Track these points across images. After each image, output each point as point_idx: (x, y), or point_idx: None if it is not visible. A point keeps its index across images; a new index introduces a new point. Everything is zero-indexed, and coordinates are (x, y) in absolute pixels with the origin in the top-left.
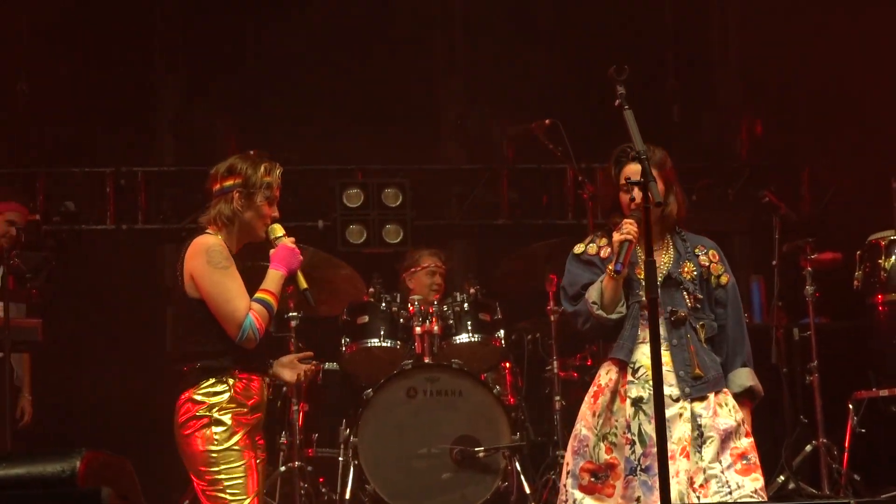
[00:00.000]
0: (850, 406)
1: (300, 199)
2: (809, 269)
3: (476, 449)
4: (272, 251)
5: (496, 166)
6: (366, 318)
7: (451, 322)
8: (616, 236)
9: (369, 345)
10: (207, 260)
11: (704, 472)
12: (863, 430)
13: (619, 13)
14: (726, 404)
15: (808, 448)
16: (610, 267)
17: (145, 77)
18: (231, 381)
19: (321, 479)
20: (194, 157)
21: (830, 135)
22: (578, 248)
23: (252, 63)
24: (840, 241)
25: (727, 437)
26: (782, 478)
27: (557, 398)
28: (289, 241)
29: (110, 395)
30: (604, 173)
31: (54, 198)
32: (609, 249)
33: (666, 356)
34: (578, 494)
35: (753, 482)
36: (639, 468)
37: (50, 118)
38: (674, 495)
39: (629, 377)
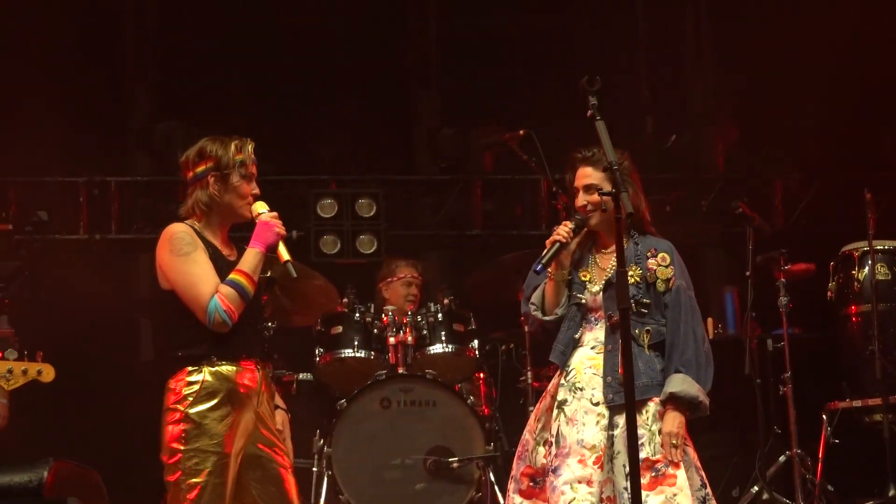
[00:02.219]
0: (824, 416)
1: (273, 209)
2: (783, 279)
3: (450, 459)
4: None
5: (470, 177)
6: (339, 329)
7: (425, 332)
8: (550, 238)
9: (343, 355)
10: (170, 249)
11: (613, 484)
12: (836, 441)
13: (593, 24)
14: (645, 412)
15: (782, 459)
16: (549, 270)
17: (117, 86)
18: (207, 370)
19: None
20: (167, 167)
21: (803, 146)
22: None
23: (224, 72)
24: (813, 252)
25: (640, 447)
26: (756, 488)
27: (531, 409)
28: (269, 216)
29: (83, 404)
30: (564, 181)
31: (27, 207)
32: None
33: (598, 360)
34: (518, 499)
35: (657, 496)
36: (551, 469)
37: (21, 128)
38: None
39: (562, 380)
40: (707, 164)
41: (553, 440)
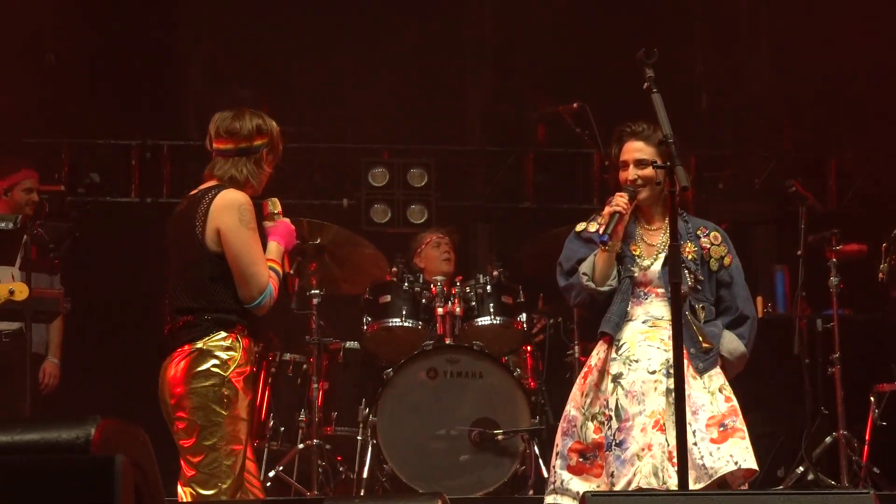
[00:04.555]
0: (872, 399)
1: (325, 178)
2: (834, 260)
3: (495, 432)
4: (271, 224)
5: (522, 149)
6: (388, 298)
7: (474, 304)
8: (607, 208)
9: (391, 324)
10: (240, 217)
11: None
12: (884, 424)
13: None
14: (700, 378)
15: (829, 439)
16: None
17: (172, 50)
18: (241, 338)
19: (339, 458)
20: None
21: (858, 126)
22: (580, 227)
23: (279, 38)
24: (866, 233)
25: (698, 410)
26: (801, 468)
27: None
28: (288, 220)
29: (131, 367)
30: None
31: (79, 169)
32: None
33: (652, 333)
34: (566, 475)
35: (732, 446)
36: (613, 443)
37: (76, 89)
38: (647, 469)
39: (612, 353)
40: (761, 141)
41: (612, 414)
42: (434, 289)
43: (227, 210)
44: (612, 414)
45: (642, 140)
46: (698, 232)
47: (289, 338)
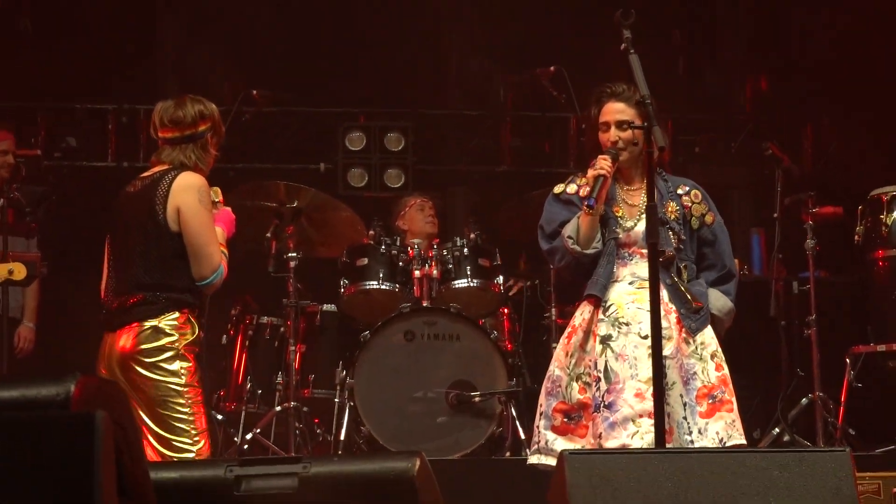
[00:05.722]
0: (848, 360)
1: (302, 142)
2: (810, 222)
3: (472, 394)
4: (214, 212)
5: (499, 113)
6: (365, 261)
7: (451, 266)
8: (590, 171)
9: (368, 287)
10: (199, 198)
11: (669, 416)
12: (859, 385)
13: None
14: (693, 341)
15: (804, 401)
16: (586, 203)
17: (148, 14)
18: (193, 321)
19: (316, 420)
20: (196, 95)
21: (834, 89)
22: (558, 189)
23: (256, 2)
24: (841, 195)
25: (689, 379)
26: (777, 430)
27: (555, 345)
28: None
29: None
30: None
31: (56, 134)
32: (588, 187)
33: (640, 295)
34: (551, 435)
35: (716, 423)
36: (602, 405)
37: (52, 54)
38: (651, 438)
39: (600, 315)
40: (736, 106)
41: (600, 375)
42: (411, 252)
43: (188, 191)
44: (601, 375)
45: (623, 101)
46: (678, 190)
47: (266, 301)
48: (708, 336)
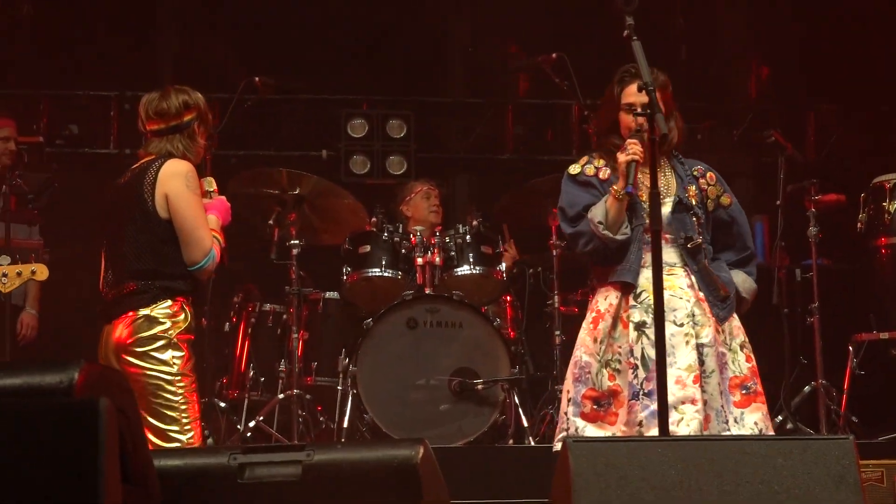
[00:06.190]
0: (850, 348)
1: (305, 129)
2: (813, 210)
3: (475, 381)
4: (208, 201)
5: (501, 100)
6: (367, 248)
7: (453, 254)
8: (622, 157)
9: (370, 274)
10: (186, 184)
11: (707, 404)
12: (862, 373)
13: None
14: (723, 331)
15: (807, 389)
16: (616, 188)
17: (149, 1)
18: (186, 309)
19: (319, 408)
20: (199, 83)
21: (836, 77)
22: (574, 169)
23: None
24: (844, 183)
25: (724, 367)
26: (780, 418)
27: (558, 333)
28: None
29: None
30: (606, 94)
31: (58, 121)
32: (608, 170)
33: (670, 281)
34: (580, 422)
35: (753, 413)
36: (641, 392)
37: (54, 41)
38: (696, 424)
39: (631, 301)
40: (739, 93)
41: (638, 363)
42: (414, 239)
43: (174, 177)
44: (639, 363)
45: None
46: (695, 172)
47: (268, 288)
48: (735, 325)
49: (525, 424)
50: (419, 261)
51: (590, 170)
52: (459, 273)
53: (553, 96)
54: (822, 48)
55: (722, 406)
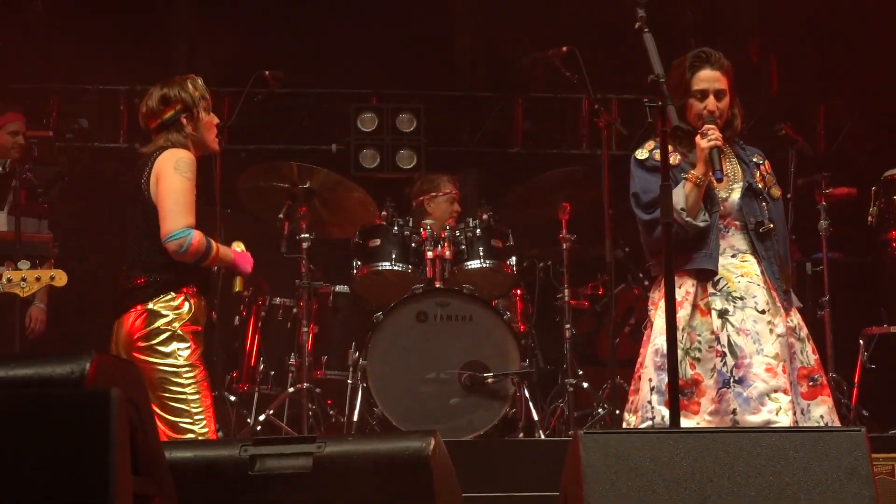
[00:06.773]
0: (861, 342)
1: (315, 123)
2: (824, 203)
3: (485, 375)
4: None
5: (511, 94)
6: (377, 242)
7: (463, 247)
8: (703, 143)
9: (380, 268)
10: (175, 166)
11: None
12: (873, 366)
13: None
14: (791, 321)
15: None
16: (694, 173)
17: None
18: (191, 300)
19: (329, 402)
20: (209, 77)
21: (847, 71)
22: (642, 155)
23: None
24: (855, 176)
25: (793, 357)
26: None
27: (567, 326)
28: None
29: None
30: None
31: (68, 115)
32: (677, 156)
33: (746, 267)
34: (665, 410)
35: (819, 406)
36: (732, 380)
37: (64, 35)
38: (791, 417)
39: (710, 289)
40: (750, 87)
41: (725, 351)
42: (424, 232)
43: (167, 161)
44: (726, 350)
45: (718, 69)
46: (756, 159)
47: (279, 282)
48: (798, 317)
49: (535, 418)
50: (429, 254)
51: (658, 155)
52: (469, 267)
53: (563, 90)
54: (832, 41)
55: (797, 395)
